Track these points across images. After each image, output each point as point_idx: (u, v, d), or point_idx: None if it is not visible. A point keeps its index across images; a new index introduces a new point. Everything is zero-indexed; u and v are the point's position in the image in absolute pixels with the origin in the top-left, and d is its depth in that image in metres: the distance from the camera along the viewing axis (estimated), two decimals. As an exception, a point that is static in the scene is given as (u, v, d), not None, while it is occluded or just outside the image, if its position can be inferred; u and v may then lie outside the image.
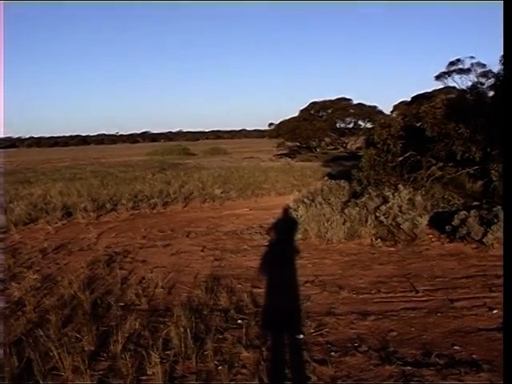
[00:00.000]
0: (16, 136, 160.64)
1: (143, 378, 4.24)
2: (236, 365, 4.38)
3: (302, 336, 4.94)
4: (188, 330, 4.86)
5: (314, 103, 40.13)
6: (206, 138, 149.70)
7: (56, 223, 11.73)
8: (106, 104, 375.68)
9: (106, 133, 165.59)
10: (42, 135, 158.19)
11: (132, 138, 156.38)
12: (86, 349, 4.74)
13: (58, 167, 36.00)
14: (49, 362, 4.51)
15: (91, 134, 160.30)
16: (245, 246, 8.88)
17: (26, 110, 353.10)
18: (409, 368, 4.15)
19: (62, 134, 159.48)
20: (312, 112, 39.76)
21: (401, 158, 10.59)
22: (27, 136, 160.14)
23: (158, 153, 53.60)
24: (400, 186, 9.29)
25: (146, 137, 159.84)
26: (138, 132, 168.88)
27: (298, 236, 9.02)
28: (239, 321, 5.39)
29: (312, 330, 5.06)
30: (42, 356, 4.57)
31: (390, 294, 6.03)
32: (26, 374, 4.33)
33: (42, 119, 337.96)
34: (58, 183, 20.28)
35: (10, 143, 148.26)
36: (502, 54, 3.89)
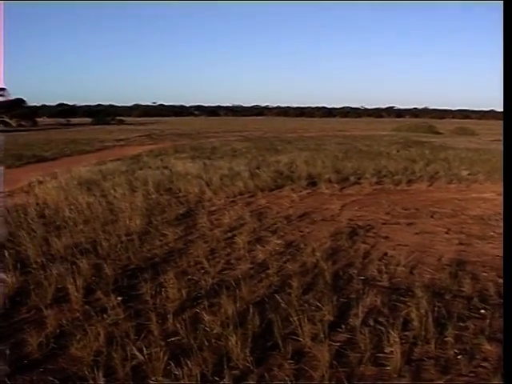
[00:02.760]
0: (263, 105, 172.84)
1: (380, 355, 4.26)
2: (477, 357, 4.20)
3: None
4: (429, 314, 4.77)
5: None
6: (452, 117, 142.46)
7: (300, 191, 12.35)
8: (352, 77, 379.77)
9: (351, 106, 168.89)
10: (289, 105, 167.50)
11: (377, 113, 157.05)
12: (325, 318, 4.90)
13: (304, 137, 37.76)
14: (288, 326, 4.77)
15: (336, 107, 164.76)
16: (491, 233, 8.39)
17: (273, 81, 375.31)
18: None
19: (307, 105, 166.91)
20: None
21: None
22: (275, 105, 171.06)
23: (402, 129, 53.05)
24: None
25: (391, 112, 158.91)
26: (383, 107, 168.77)
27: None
28: (482, 310, 5.15)
29: None
30: (283, 320, 4.85)
31: None
32: (266, 334, 4.64)
33: (288, 90, 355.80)
34: (303, 153, 21.33)
35: (257, 111, 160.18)
36: (503, 54, 3.72)
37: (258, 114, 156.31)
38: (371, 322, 4.86)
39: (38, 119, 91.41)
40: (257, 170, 15.03)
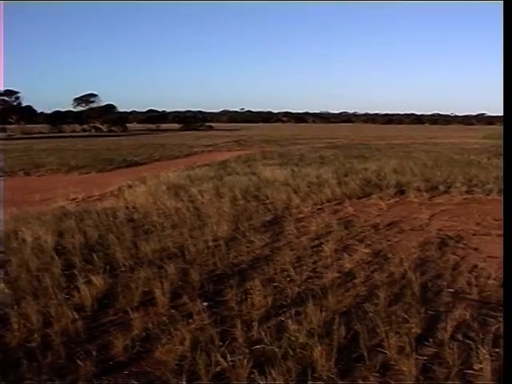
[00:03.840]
0: (352, 111, 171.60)
1: (469, 371, 4.08)
2: None
3: None
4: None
5: None
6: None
7: (388, 200, 12.03)
8: (442, 84, 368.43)
9: (441, 113, 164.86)
10: (377, 112, 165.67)
11: (466, 120, 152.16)
12: (412, 331, 4.75)
13: (392, 144, 37.02)
14: (374, 337, 4.66)
15: (426, 114, 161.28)
16: None
17: (361, 88, 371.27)
18: None
19: (396, 112, 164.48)
20: None
21: None
22: (363, 112, 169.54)
23: (493, 137, 50.86)
24: None
25: (482, 119, 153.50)
26: (473, 114, 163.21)
27: None
28: None
29: None
30: (369, 331, 4.74)
31: None
32: (351, 345, 4.55)
33: (377, 96, 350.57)
34: (391, 160, 20.85)
35: (345, 118, 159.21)
36: (503, 55, 3.82)
37: (346, 121, 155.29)
38: (460, 337, 4.68)
39: (128, 125, 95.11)
40: (344, 178, 14.83)
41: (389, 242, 8.22)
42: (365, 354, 4.33)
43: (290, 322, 4.92)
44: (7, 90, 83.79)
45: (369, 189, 13.14)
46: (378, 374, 4.06)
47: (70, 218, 9.83)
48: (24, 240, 8.04)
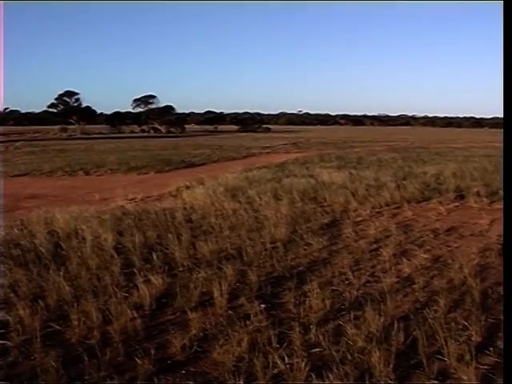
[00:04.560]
0: (410, 114, 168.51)
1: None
2: None
3: None
4: None
5: None
6: None
7: (448, 204, 11.74)
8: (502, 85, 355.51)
9: (501, 116, 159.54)
10: (436, 115, 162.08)
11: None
12: (472, 339, 4.63)
13: (451, 148, 36.12)
14: (433, 344, 4.56)
15: (485, 117, 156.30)
16: None
17: (420, 90, 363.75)
18: None
19: (455, 115, 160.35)
20: None
21: None
22: (422, 115, 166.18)
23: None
24: None
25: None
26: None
27: None
28: None
29: None
30: (428, 337, 4.63)
31: None
32: (410, 351, 4.47)
33: (436, 99, 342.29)
34: (451, 164, 20.35)
35: (404, 121, 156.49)
36: (503, 54, 3.75)
37: (404, 124, 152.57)
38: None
39: (187, 126, 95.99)
40: (403, 181, 14.59)
41: (448, 248, 8.04)
42: (423, 360, 4.25)
43: (348, 325, 4.88)
44: (68, 91, 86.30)
45: (428, 193, 12.91)
46: (436, 382, 3.97)
47: (129, 217, 10.04)
48: (84, 238, 8.22)
